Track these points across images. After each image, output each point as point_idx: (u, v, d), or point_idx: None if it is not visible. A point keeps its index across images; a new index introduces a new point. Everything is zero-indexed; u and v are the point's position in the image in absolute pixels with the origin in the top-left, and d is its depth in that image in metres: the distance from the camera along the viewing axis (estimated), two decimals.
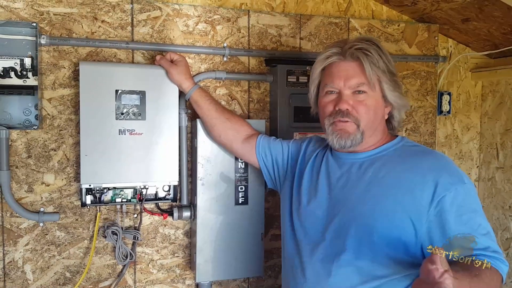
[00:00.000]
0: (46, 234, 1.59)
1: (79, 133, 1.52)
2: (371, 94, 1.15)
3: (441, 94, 2.07)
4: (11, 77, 1.47)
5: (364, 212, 1.12)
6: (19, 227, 1.57)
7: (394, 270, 1.08)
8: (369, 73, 1.13)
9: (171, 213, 1.67)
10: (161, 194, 1.62)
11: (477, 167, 2.20)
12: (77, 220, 1.62)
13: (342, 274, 1.12)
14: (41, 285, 1.60)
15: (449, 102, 2.09)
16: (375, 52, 1.14)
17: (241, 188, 1.64)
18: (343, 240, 1.13)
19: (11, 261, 1.57)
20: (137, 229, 1.65)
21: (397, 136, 1.25)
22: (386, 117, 1.22)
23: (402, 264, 1.08)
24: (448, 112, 2.09)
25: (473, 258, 0.96)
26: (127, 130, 1.52)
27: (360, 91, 1.15)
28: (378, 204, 1.11)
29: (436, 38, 2.01)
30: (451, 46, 2.11)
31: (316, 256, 1.17)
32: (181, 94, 1.59)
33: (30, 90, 1.50)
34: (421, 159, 1.13)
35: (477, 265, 0.94)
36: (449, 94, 2.09)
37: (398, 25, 1.96)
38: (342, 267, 1.12)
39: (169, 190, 1.62)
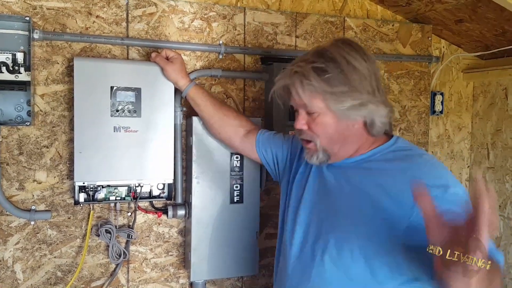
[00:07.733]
0: (38, 233, 1.56)
1: (72, 129, 1.49)
2: (324, 112, 1.07)
3: (434, 94, 2.09)
4: (3, 72, 1.44)
5: (344, 221, 1.09)
6: (10, 225, 1.53)
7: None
8: (300, 99, 1.08)
9: (165, 212, 1.66)
10: (156, 192, 1.60)
11: (468, 167, 2.22)
12: (69, 218, 1.59)
13: (321, 279, 1.10)
14: (31, 284, 1.57)
15: (442, 102, 2.11)
16: (311, 72, 1.05)
17: (236, 187, 1.63)
18: (323, 248, 1.11)
19: (0, 260, 1.53)
20: (131, 227, 1.63)
21: (392, 136, 1.19)
22: (357, 126, 1.11)
23: (380, 271, 1.05)
24: (441, 112, 2.11)
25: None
26: (122, 127, 1.50)
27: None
28: (358, 211, 1.07)
29: (430, 38, 2.03)
30: (443, 47, 2.13)
31: (298, 256, 1.18)
32: (177, 91, 1.57)
33: (22, 86, 1.46)
34: (405, 165, 1.08)
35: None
36: (442, 94, 2.11)
37: (393, 25, 1.98)
38: (322, 273, 1.10)
39: (163, 188, 1.61)
